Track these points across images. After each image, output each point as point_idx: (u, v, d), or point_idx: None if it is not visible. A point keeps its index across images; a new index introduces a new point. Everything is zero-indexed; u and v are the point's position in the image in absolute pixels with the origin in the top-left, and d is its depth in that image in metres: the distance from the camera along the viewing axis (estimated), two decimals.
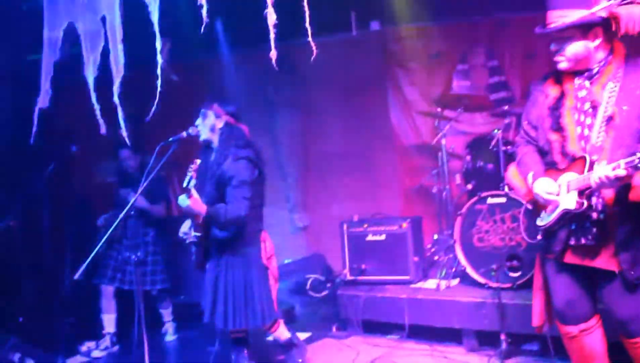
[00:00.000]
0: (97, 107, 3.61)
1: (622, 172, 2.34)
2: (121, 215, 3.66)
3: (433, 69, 6.34)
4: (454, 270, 4.77)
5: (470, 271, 4.53)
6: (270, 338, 4.45)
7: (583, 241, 2.63)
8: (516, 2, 5.45)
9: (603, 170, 2.42)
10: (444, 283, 4.64)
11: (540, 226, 2.78)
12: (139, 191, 3.81)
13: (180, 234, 3.86)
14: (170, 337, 5.39)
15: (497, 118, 5.47)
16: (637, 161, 2.28)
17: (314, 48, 2.55)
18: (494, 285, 4.24)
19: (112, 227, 3.62)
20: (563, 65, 2.68)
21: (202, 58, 6.80)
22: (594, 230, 2.60)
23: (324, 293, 5.89)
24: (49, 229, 5.54)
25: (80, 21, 3.51)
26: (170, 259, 5.42)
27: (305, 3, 2.49)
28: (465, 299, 4.35)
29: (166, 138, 3.66)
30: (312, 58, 2.65)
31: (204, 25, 2.90)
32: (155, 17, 3.08)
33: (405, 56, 6.42)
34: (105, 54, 3.50)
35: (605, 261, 2.60)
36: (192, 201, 3.40)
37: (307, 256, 6.57)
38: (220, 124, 3.76)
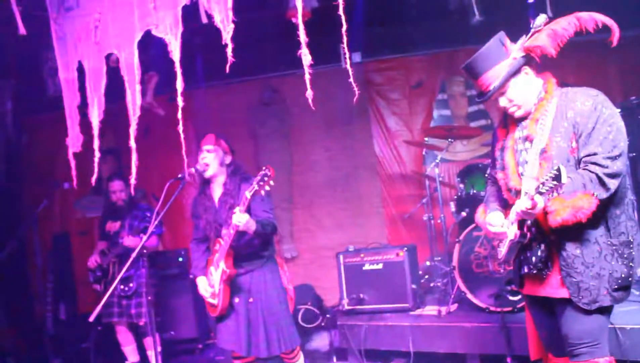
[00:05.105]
0: (97, 154, 3.44)
1: (528, 203, 2.41)
2: (133, 254, 3.63)
3: (414, 99, 6.52)
4: (452, 295, 4.87)
5: (470, 296, 4.63)
6: None
7: (526, 269, 2.71)
8: (492, 32, 5.67)
9: (518, 203, 2.52)
10: (444, 309, 4.73)
11: (499, 259, 2.86)
12: (149, 232, 3.77)
13: (203, 292, 3.82)
14: None
15: (477, 146, 5.64)
16: (540, 186, 2.34)
17: (309, 88, 2.56)
18: (497, 309, 4.36)
19: (123, 270, 3.58)
20: (519, 113, 2.74)
21: (187, 90, 6.78)
22: (535, 258, 2.66)
23: (316, 323, 5.91)
24: (38, 266, 5.37)
25: (86, 59, 3.44)
26: (160, 293, 5.33)
27: (303, 46, 2.50)
28: (469, 324, 4.44)
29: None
30: (306, 93, 2.66)
31: (229, 65, 2.90)
32: (176, 55, 3.04)
33: (386, 86, 6.59)
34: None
35: (555, 289, 2.65)
36: (247, 217, 3.45)
37: (296, 286, 6.55)
38: (228, 160, 3.87)
